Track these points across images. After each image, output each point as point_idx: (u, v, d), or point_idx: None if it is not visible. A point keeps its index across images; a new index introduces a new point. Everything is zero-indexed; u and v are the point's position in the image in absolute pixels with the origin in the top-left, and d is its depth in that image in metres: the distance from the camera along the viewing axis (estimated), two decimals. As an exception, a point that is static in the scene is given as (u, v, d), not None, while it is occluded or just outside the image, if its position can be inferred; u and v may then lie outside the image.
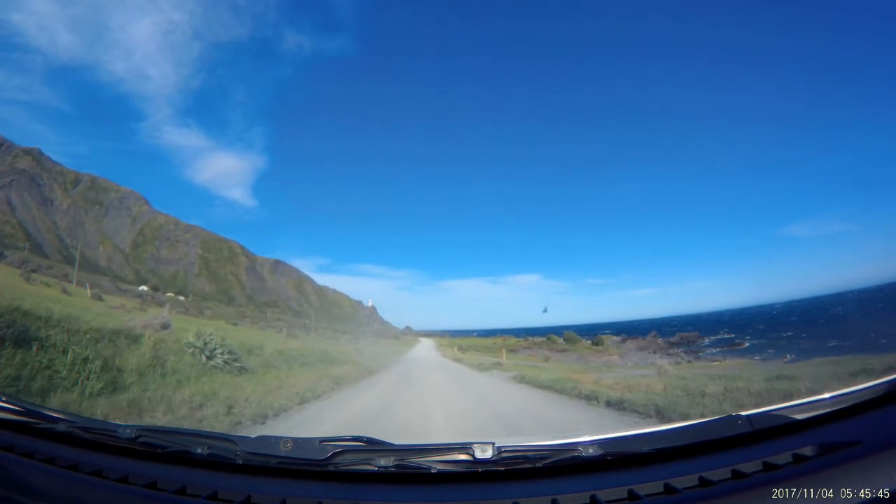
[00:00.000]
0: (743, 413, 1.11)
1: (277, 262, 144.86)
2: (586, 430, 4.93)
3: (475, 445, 1.09)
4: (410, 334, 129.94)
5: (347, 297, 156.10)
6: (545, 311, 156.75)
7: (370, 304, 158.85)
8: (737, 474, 0.96)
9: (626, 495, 0.97)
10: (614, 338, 62.89)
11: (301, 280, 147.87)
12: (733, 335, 61.69)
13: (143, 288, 67.55)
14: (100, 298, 35.19)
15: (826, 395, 1.11)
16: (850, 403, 1.08)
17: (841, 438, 0.99)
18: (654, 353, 51.91)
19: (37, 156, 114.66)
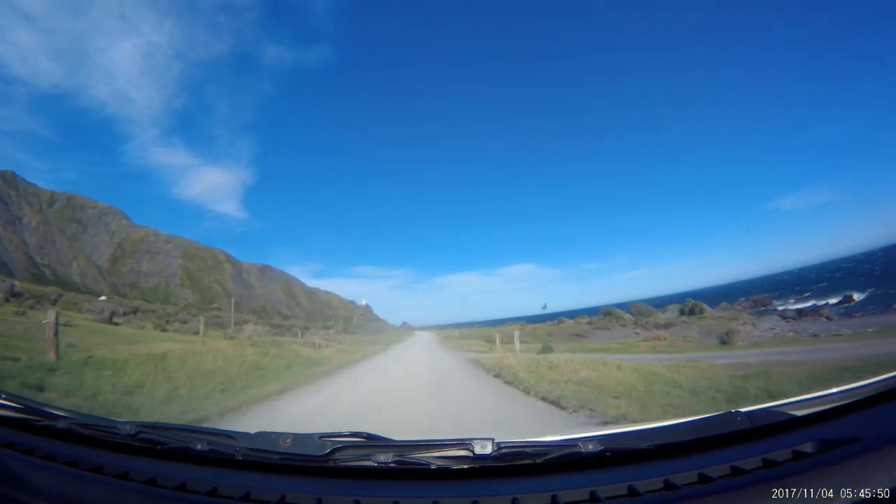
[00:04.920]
0: (742, 409, 1.10)
1: (264, 268, 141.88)
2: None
3: (475, 441, 1.07)
4: (406, 329, 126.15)
5: (339, 298, 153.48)
6: (545, 307, 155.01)
7: (363, 302, 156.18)
8: (736, 471, 0.95)
9: (625, 491, 0.96)
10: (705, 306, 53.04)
11: (290, 283, 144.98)
12: (809, 293, 56.93)
13: (103, 298, 63.97)
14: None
15: (826, 392, 1.09)
16: (849, 400, 1.07)
17: (840, 435, 0.97)
18: (786, 319, 40.89)
19: (10, 178, 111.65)
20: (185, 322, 34.35)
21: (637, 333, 34.58)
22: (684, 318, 37.98)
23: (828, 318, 34.93)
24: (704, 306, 42.11)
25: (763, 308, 47.94)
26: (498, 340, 27.31)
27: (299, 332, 39.75)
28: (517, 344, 19.73)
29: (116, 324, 28.35)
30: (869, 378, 1.09)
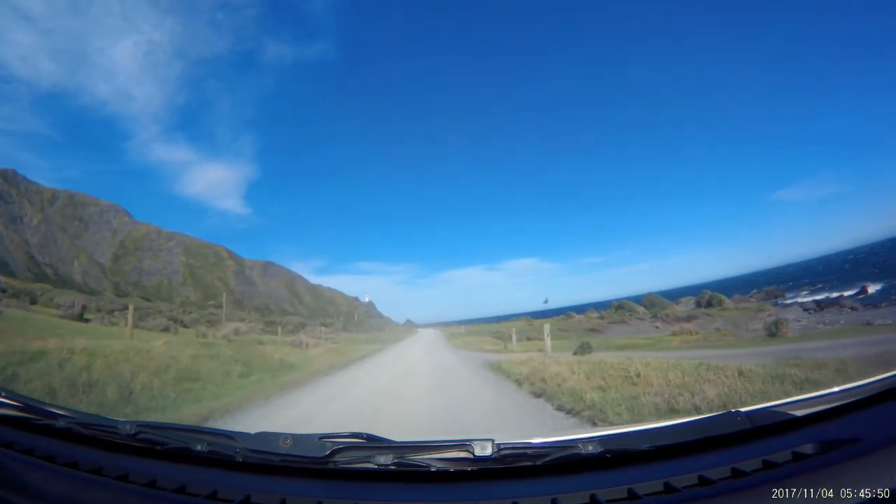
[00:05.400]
0: (743, 410, 1.09)
1: (267, 264, 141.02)
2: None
3: (475, 443, 1.07)
4: (409, 326, 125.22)
5: (343, 295, 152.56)
6: (546, 301, 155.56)
7: (367, 299, 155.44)
8: (736, 473, 0.95)
9: (625, 494, 0.95)
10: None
11: (293, 280, 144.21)
12: (820, 285, 56.03)
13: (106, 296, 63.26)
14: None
15: (826, 392, 1.09)
16: (849, 400, 1.07)
17: (841, 436, 0.97)
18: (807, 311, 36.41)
19: (10, 176, 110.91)
20: (173, 319, 32.57)
21: (657, 327, 33.00)
22: (703, 309, 35.76)
23: (852, 308, 33.65)
24: (723, 298, 40.35)
25: (776, 300, 46.44)
26: (514, 337, 24.14)
27: (279, 328, 35.04)
28: (548, 341, 15.01)
29: (87, 319, 25.67)
30: (869, 378, 1.07)
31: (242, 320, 42.22)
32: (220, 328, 28.89)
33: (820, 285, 56.85)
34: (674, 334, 24.41)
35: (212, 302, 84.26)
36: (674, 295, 64.22)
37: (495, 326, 55.77)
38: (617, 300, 53.86)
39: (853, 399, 1.06)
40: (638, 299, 54.03)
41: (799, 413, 1.06)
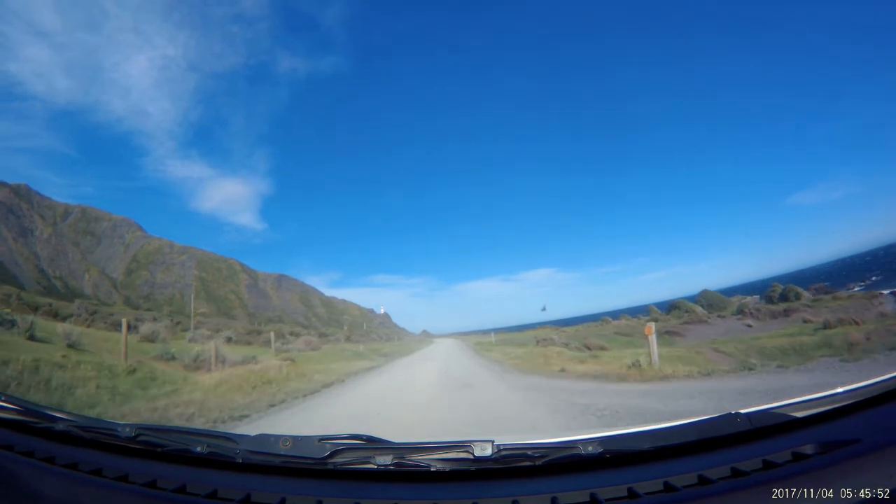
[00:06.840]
0: (743, 411, 1.10)
1: (281, 277, 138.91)
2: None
3: (475, 443, 1.08)
4: (425, 336, 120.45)
5: (358, 307, 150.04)
6: (544, 309, 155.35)
7: (382, 311, 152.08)
8: (736, 472, 0.95)
9: (625, 493, 0.96)
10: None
11: (307, 293, 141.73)
12: (868, 282, 55.08)
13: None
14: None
15: (826, 393, 1.10)
16: (849, 401, 1.07)
17: (840, 437, 0.98)
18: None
19: (23, 191, 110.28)
20: (107, 322, 28.02)
21: (750, 325, 28.97)
22: (805, 300, 31.39)
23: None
24: (800, 290, 36.12)
25: (824, 294, 44.55)
26: (654, 341, 11.27)
27: (159, 331, 22.53)
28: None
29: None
30: (869, 379, 1.09)
31: (219, 329, 38.08)
32: (138, 330, 23.34)
33: (868, 282, 55.06)
34: (837, 328, 18.01)
35: (202, 310, 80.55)
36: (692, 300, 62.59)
37: (532, 333, 50.28)
38: (669, 301, 49.39)
39: (854, 400, 1.05)
40: (663, 305, 50.77)
41: (799, 414, 1.06)
